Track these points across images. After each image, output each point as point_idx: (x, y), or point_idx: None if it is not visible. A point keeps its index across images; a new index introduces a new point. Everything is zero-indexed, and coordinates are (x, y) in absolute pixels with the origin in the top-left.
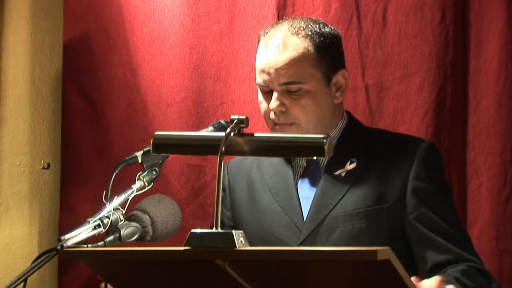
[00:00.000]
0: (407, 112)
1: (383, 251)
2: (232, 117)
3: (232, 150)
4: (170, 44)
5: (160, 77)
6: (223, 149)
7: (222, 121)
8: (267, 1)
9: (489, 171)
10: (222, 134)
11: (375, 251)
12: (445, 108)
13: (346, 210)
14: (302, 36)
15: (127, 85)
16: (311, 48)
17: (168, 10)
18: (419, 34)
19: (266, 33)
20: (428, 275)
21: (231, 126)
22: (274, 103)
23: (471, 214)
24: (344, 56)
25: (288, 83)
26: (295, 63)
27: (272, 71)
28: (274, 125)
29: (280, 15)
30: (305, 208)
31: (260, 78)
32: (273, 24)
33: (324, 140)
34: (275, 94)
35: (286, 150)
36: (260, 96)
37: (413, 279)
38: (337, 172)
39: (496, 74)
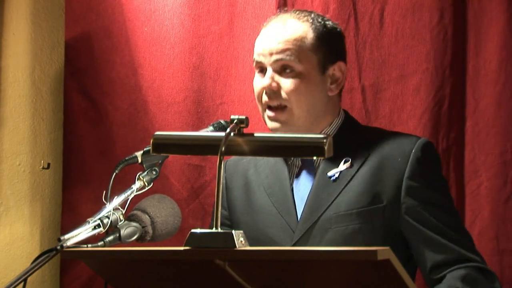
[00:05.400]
0: (403, 113)
1: (383, 251)
2: (232, 117)
3: (232, 150)
4: (171, 44)
5: (160, 77)
6: (223, 149)
7: (222, 121)
8: (267, 1)
9: (488, 171)
10: (222, 134)
11: (375, 251)
12: (443, 109)
13: (339, 211)
14: (303, 21)
15: (129, 85)
16: (310, 33)
17: (169, 10)
18: (417, 35)
19: (271, 19)
20: (428, 276)
21: (231, 126)
22: (266, 80)
23: (471, 215)
24: (346, 53)
25: (281, 59)
26: (291, 42)
27: (267, 47)
28: (264, 109)
29: None
30: (300, 210)
31: (256, 55)
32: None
33: (324, 140)
34: (268, 72)
35: (286, 150)
36: (255, 79)
37: None
38: (331, 173)
39: (495, 74)
